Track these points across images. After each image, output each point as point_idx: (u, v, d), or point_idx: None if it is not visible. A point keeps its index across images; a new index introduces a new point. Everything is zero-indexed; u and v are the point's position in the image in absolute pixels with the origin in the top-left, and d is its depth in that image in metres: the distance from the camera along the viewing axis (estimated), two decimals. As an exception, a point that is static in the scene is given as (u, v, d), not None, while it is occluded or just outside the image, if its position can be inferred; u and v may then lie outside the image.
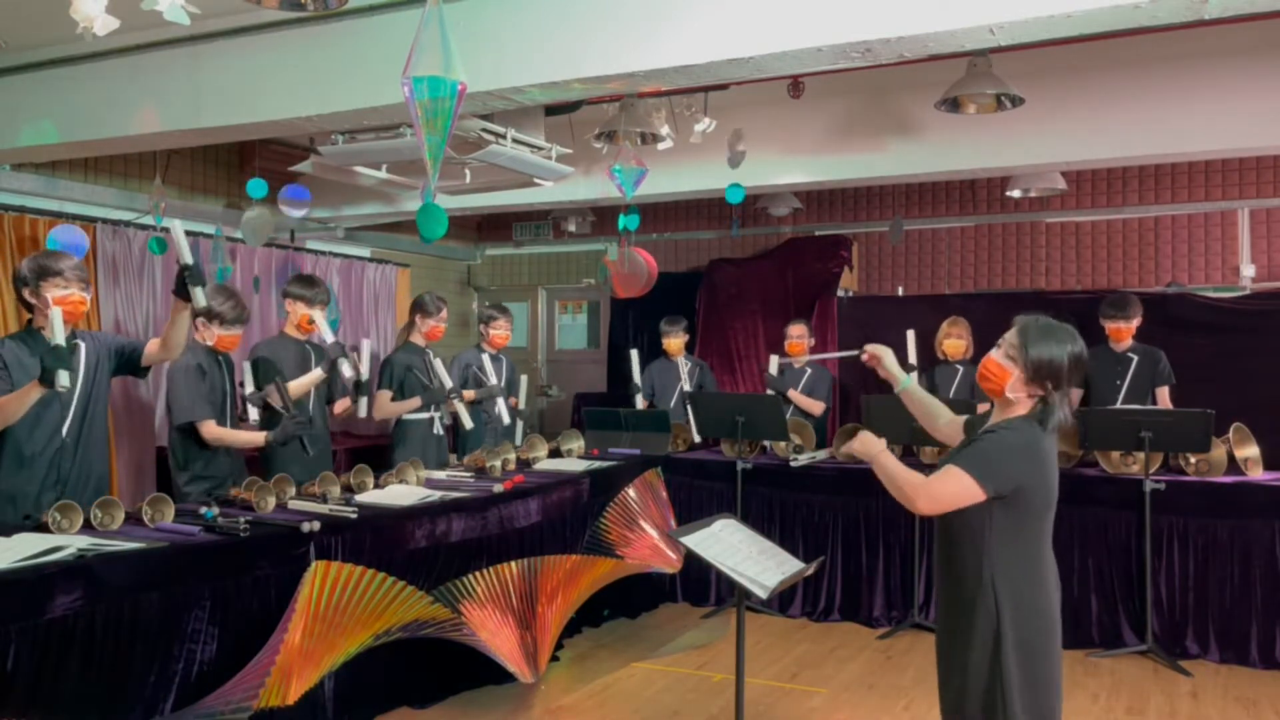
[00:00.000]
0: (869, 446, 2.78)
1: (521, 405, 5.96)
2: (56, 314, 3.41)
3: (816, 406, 6.26)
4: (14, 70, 4.81)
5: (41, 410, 3.57)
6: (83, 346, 3.76)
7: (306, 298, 4.85)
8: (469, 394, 5.65)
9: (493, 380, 5.70)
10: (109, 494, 3.65)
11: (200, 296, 3.64)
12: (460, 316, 9.40)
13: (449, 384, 5.41)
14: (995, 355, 2.65)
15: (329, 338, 4.74)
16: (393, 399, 5.39)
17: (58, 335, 3.38)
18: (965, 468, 2.54)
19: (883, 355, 3.05)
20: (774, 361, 6.32)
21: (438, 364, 5.44)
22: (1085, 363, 2.64)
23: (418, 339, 5.58)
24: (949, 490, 2.56)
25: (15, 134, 4.91)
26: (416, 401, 5.37)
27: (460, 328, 9.19)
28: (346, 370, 4.62)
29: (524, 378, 6.02)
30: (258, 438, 4.32)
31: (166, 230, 6.02)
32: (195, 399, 4.25)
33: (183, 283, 3.64)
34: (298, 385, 4.64)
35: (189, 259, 3.65)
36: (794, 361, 6.38)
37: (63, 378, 3.33)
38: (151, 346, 3.94)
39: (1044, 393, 2.59)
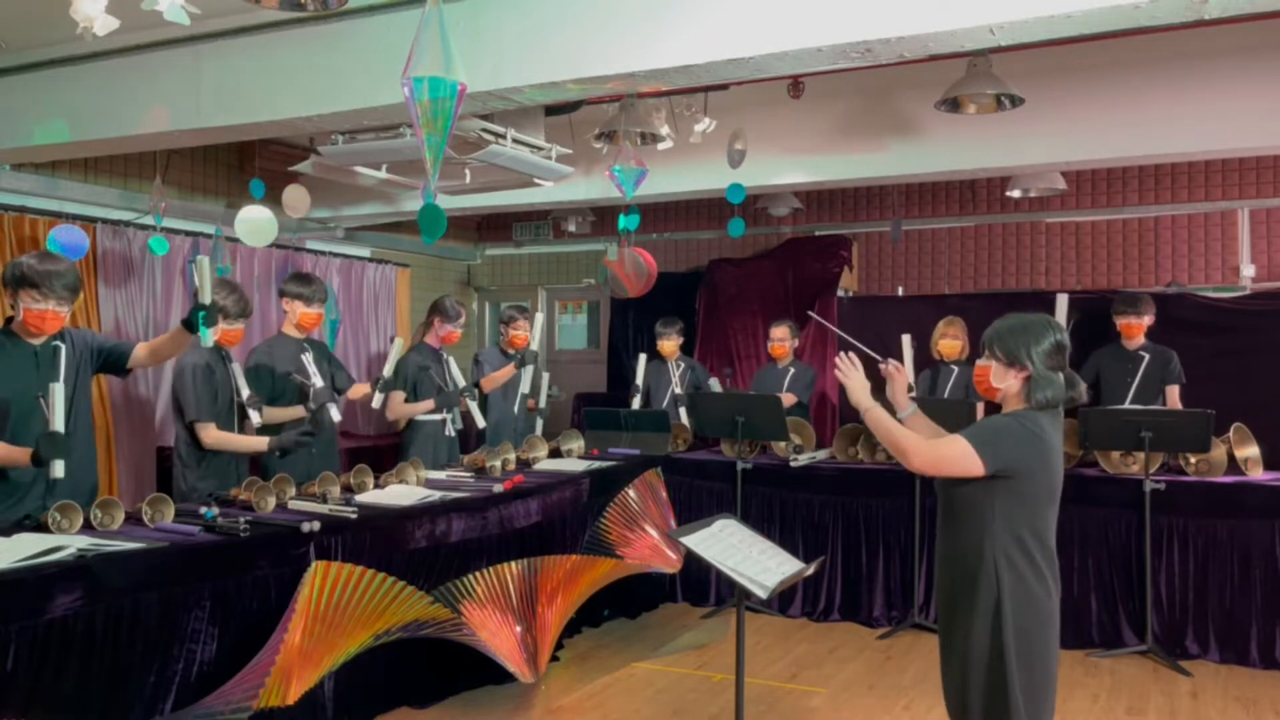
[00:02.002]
0: (859, 391, 2.89)
1: (542, 404, 6.00)
2: (58, 391, 3.40)
3: (788, 399, 6.27)
4: (14, 70, 4.81)
5: (21, 423, 3.49)
6: (63, 349, 3.66)
7: (304, 296, 4.84)
8: (498, 376, 5.75)
9: (524, 387, 5.85)
10: (106, 494, 3.63)
11: (207, 338, 3.72)
12: (460, 317, 9.39)
13: (461, 383, 5.46)
14: (979, 361, 2.82)
15: (318, 382, 4.75)
16: (405, 400, 5.39)
17: (58, 423, 3.37)
18: (968, 437, 2.64)
19: (897, 378, 3.03)
20: (714, 384, 6.49)
21: (452, 364, 5.48)
22: (1054, 332, 2.71)
23: (432, 341, 5.59)
24: (948, 454, 2.65)
25: (16, 133, 4.91)
26: (430, 404, 5.38)
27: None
28: (335, 415, 4.67)
29: (546, 375, 6.06)
30: (260, 443, 4.28)
31: (168, 230, 6.07)
32: (202, 399, 4.21)
33: (195, 318, 3.66)
34: (279, 414, 4.63)
35: (207, 299, 3.69)
36: (777, 362, 6.46)
37: (57, 469, 3.36)
38: (141, 350, 3.89)
39: (1028, 372, 2.69)
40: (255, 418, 4.39)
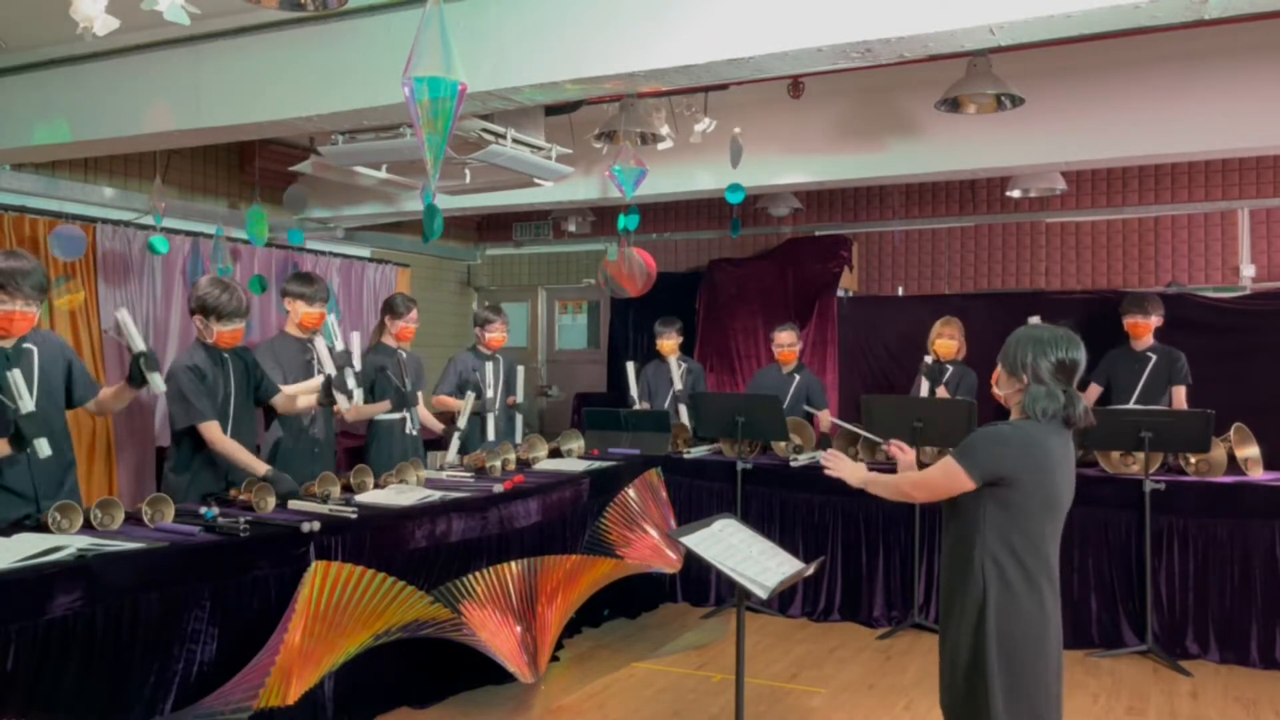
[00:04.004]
0: (852, 477, 3.08)
1: (520, 399, 5.92)
2: (16, 376, 3.32)
3: (828, 416, 6.40)
4: (14, 70, 4.81)
5: None
6: (35, 351, 3.58)
7: (306, 296, 4.80)
8: (455, 401, 5.67)
9: (490, 392, 5.72)
10: (106, 494, 3.63)
11: (158, 383, 3.65)
12: (460, 317, 9.41)
13: (490, 392, 5.60)
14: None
15: (338, 345, 4.65)
16: (364, 401, 5.33)
17: (27, 402, 3.33)
18: (955, 456, 2.68)
19: (902, 459, 3.15)
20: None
21: (409, 363, 5.51)
22: (1062, 350, 2.66)
23: (389, 340, 5.53)
24: (938, 478, 2.72)
25: (16, 133, 4.91)
26: (387, 405, 5.25)
27: (461, 328, 9.19)
28: (350, 381, 4.57)
29: (520, 368, 5.99)
30: (258, 468, 4.08)
31: (168, 230, 6.07)
32: (196, 400, 4.02)
33: (138, 369, 3.61)
34: (300, 390, 4.57)
35: (141, 346, 3.62)
36: (781, 367, 6.41)
37: (42, 447, 3.32)
38: (103, 395, 3.85)
39: (1021, 385, 2.69)
40: (354, 397, 4.39)
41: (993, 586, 2.60)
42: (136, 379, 3.64)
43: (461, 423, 5.34)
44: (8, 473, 3.47)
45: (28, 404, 3.34)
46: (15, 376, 3.34)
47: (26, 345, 3.58)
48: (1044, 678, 2.62)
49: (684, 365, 6.73)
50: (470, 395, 5.40)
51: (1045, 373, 2.64)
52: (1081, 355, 2.69)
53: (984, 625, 2.60)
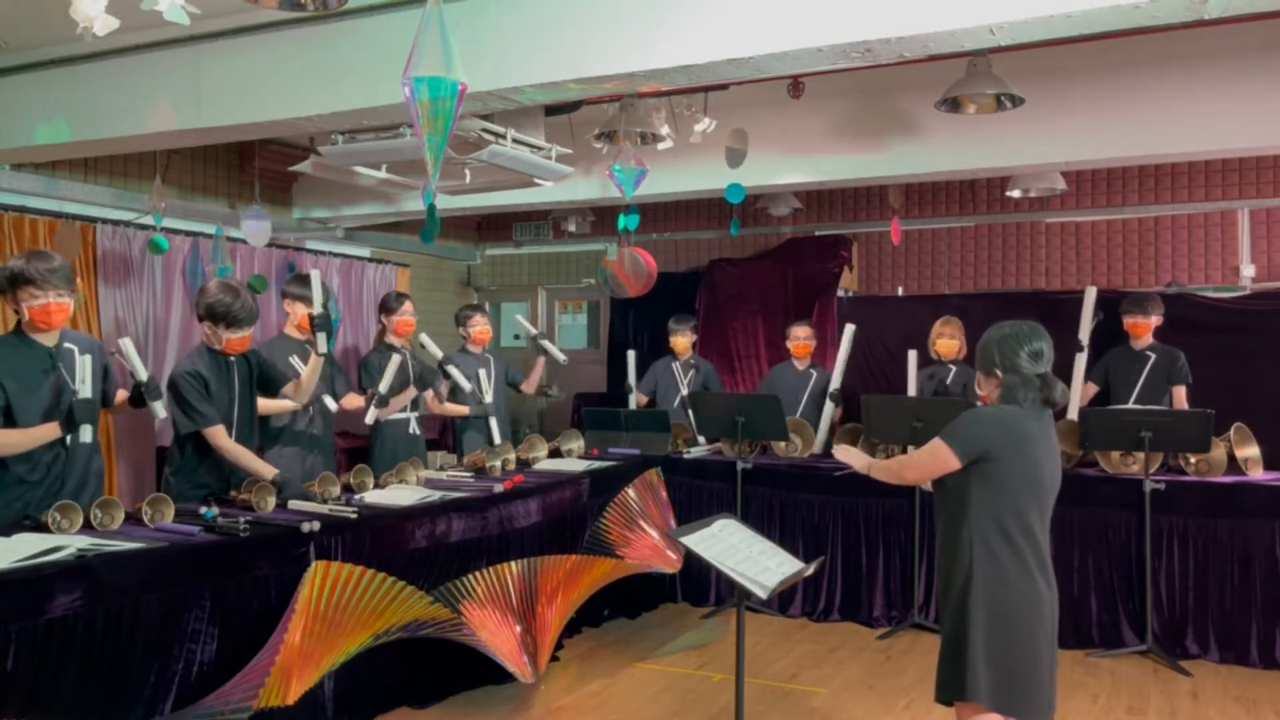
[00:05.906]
0: (858, 462, 3.28)
1: (541, 335, 6.11)
2: (86, 362, 3.56)
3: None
4: (15, 70, 4.81)
5: (45, 420, 3.53)
6: (75, 350, 3.66)
7: (306, 298, 4.78)
8: (462, 409, 5.75)
9: (489, 397, 5.74)
10: (106, 494, 3.63)
11: (159, 410, 3.85)
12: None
13: (541, 334, 5.92)
14: None
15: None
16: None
17: (86, 389, 3.53)
18: (941, 437, 2.84)
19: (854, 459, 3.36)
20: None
21: (483, 375, 5.69)
22: (1031, 341, 2.85)
23: (392, 338, 5.55)
24: (924, 458, 2.90)
25: (16, 133, 4.91)
26: (413, 391, 5.29)
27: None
28: (332, 405, 4.62)
29: (543, 339, 6.09)
30: (267, 472, 4.06)
31: (168, 230, 6.07)
32: (200, 405, 3.98)
33: (139, 395, 3.82)
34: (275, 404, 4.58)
35: (142, 375, 3.79)
36: (797, 364, 6.38)
37: (85, 433, 3.51)
38: (117, 400, 3.98)
39: (1000, 381, 2.88)
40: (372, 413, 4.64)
41: (979, 560, 2.76)
42: (137, 402, 3.87)
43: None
44: (40, 464, 3.55)
45: (86, 390, 3.55)
46: (85, 362, 3.57)
47: (67, 346, 3.69)
48: (1036, 653, 2.75)
49: (691, 368, 6.70)
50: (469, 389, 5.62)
51: (1021, 364, 2.84)
52: (1047, 343, 2.89)
53: (969, 597, 2.75)
